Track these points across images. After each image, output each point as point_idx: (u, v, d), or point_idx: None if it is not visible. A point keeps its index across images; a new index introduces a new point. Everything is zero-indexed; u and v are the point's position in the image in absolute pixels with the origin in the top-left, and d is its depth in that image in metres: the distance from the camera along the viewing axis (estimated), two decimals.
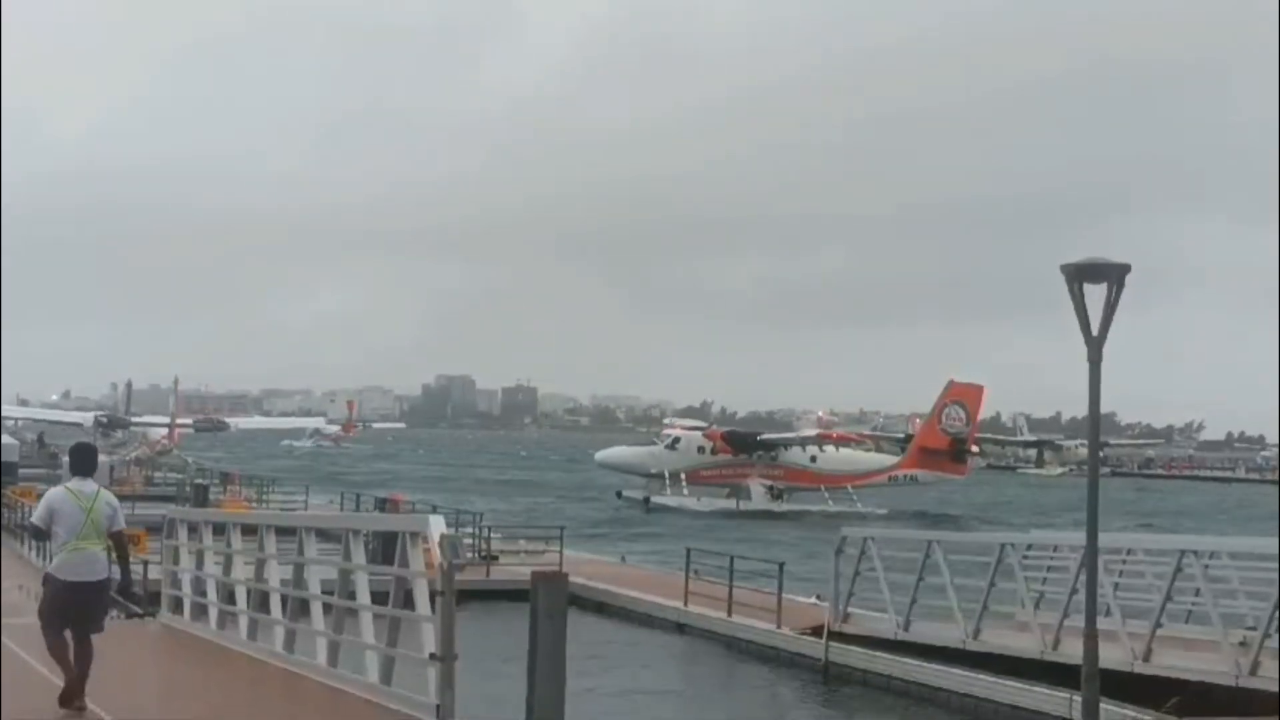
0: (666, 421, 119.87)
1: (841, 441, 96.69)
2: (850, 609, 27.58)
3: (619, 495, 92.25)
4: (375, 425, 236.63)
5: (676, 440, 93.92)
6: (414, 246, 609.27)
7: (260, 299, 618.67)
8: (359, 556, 16.40)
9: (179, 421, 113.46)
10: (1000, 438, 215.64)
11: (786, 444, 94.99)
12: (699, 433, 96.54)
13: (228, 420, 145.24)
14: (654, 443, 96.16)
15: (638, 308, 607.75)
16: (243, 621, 18.95)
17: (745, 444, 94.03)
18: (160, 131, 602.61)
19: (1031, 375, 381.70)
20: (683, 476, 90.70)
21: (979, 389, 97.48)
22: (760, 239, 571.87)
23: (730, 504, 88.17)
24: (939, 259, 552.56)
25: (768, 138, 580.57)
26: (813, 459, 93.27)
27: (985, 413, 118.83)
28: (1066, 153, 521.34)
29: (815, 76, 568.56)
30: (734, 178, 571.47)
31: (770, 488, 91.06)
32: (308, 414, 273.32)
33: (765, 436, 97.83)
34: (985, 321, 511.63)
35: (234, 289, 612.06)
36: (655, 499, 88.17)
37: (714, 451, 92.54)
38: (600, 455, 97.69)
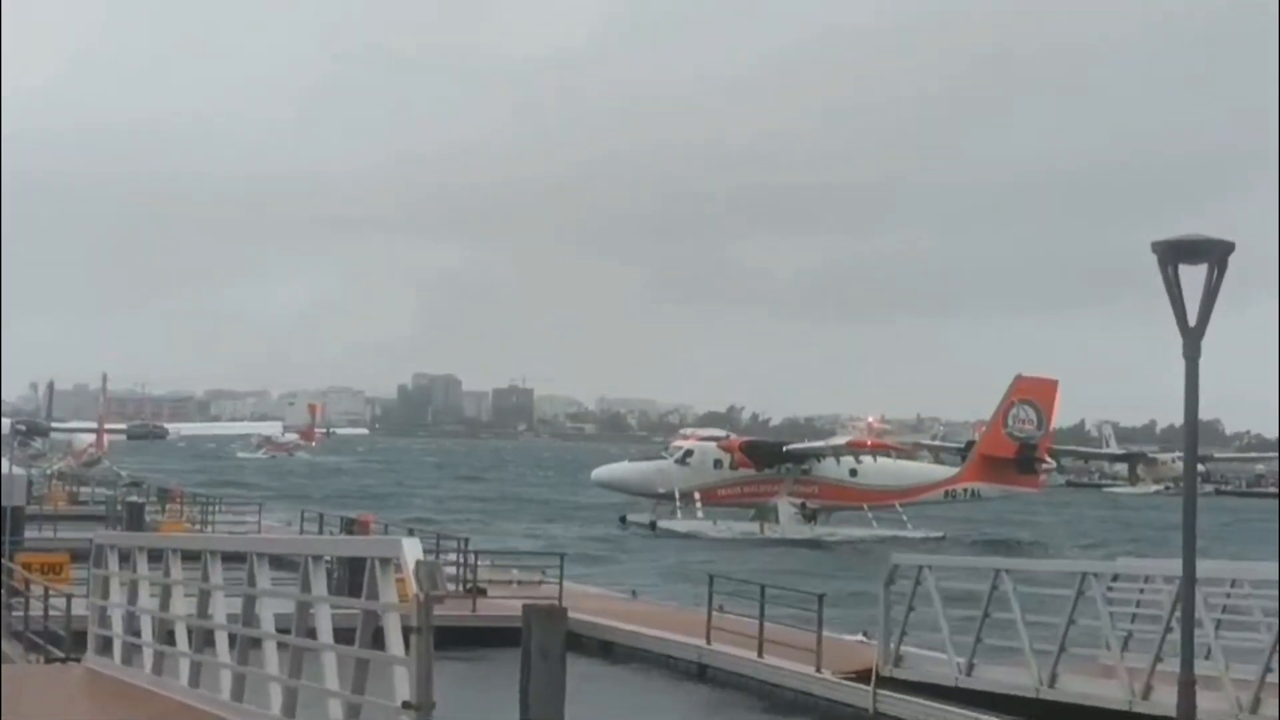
0: (684, 432, 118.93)
1: (877, 451, 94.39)
2: (903, 649, 27.55)
3: (623, 521, 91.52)
4: (340, 431, 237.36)
5: (688, 453, 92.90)
6: (399, 225, 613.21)
7: (212, 285, 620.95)
8: (320, 587, 16.43)
9: (109, 427, 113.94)
10: (1084, 450, 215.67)
11: (819, 455, 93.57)
12: (714, 444, 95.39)
13: (167, 426, 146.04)
14: (662, 456, 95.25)
15: (658, 296, 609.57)
16: (183, 665, 19.01)
17: (769, 456, 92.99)
18: (107, 88, 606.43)
19: (1122, 377, 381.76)
20: (696, 496, 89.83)
21: (1052, 384, 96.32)
22: (809, 218, 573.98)
23: (753, 528, 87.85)
24: (1016, 240, 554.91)
25: (824, 100, 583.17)
26: (852, 472, 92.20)
27: (1066, 419, 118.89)
28: (1171, 116, 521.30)
29: (882, 30, 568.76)
30: (782, 148, 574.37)
31: (803, 506, 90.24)
32: (263, 419, 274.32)
33: (792, 446, 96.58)
34: (1067, 313, 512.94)
35: (181, 273, 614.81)
36: (663, 523, 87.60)
37: (733, 466, 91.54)
38: (598, 473, 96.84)
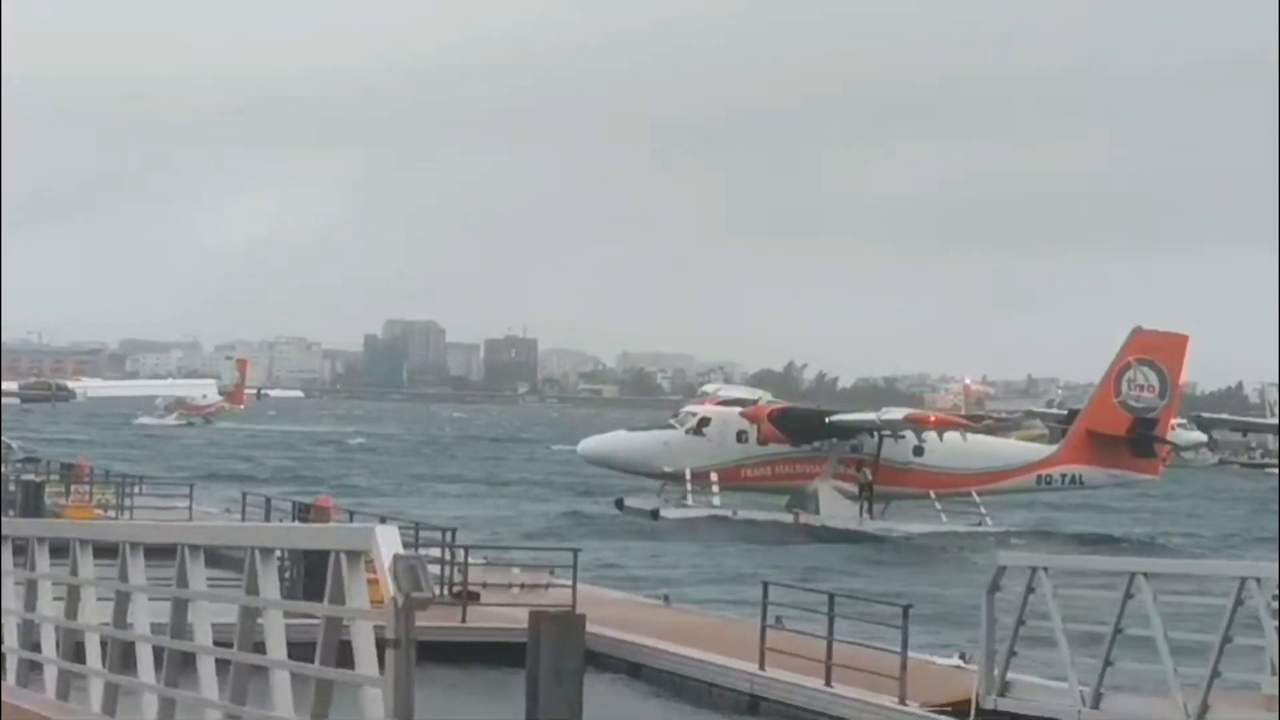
0: (706, 390, 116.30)
1: (943, 427, 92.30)
2: (1010, 674, 27.61)
3: (620, 506, 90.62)
4: (273, 394, 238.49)
5: (704, 422, 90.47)
6: (375, 139, 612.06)
7: (137, 210, 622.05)
8: (271, 588, 16.49)
9: None
10: (1245, 420, 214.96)
11: (871, 430, 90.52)
12: (738, 411, 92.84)
13: (71, 385, 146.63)
14: (670, 425, 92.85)
15: (703, 223, 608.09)
16: (96, 687, 19.11)
17: (807, 428, 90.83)
18: None
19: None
20: (714, 477, 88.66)
21: (1180, 340, 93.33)
22: (913, 120, 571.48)
23: (788, 518, 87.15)
24: (1171, 152, 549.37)
25: None
26: (917, 451, 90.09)
27: (1215, 380, 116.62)
28: None
29: None
30: (873, 45, 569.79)
31: (861, 491, 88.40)
32: (192, 375, 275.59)
33: (837, 417, 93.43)
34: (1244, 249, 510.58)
35: (94, 193, 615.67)
36: (667, 512, 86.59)
37: (761, 439, 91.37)
38: (587, 445, 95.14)
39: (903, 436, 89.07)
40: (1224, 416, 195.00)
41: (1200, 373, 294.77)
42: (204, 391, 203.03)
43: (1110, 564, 30.96)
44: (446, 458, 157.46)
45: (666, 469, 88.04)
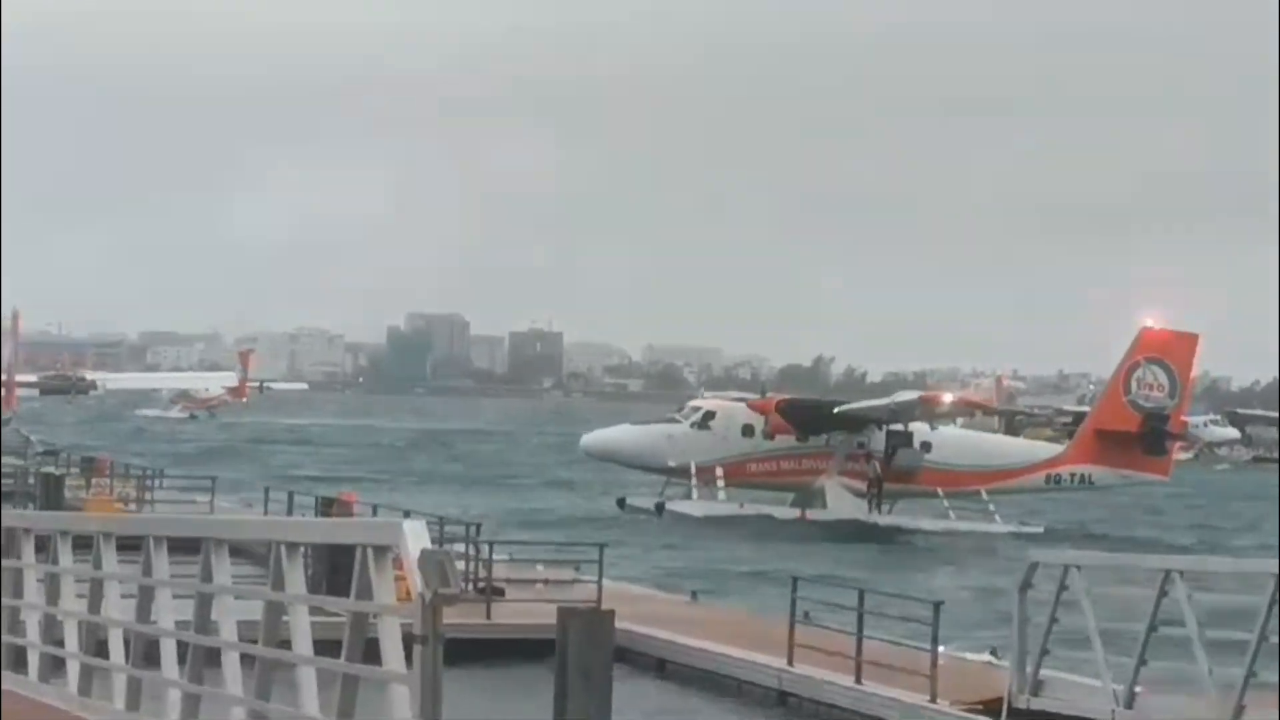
0: (705, 394, 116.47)
1: (962, 409, 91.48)
2: (1043, 672, 27.59)
3: (621, 505, 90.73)
4: (277, 386, 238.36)
5: (709, 415, 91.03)
6: (395, 125, 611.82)
7: (159, 202, 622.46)
8: (297, 583, 16.56)
9: (19, 380, 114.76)
10: (1257, 413, 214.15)
11: (880, 423, 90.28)
12: (744, 404, 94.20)
13: (92, 377, 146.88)
14: (673, 419, 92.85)
15: (739, 210, 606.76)
16: (119, 683, 19.14)
17: (815, 420, 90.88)
18: None
19: None
20: (719, 472, 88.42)
21: (1191, 339, 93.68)
22: (974, 102, 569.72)
23: (793, 514, 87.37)
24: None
25: None
26: (925, 446, 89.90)
27: (1250, 376, 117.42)
28: None
29: None
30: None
31: (871, 485, 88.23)
32: (214, 368, 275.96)
33: (846, 408, 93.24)
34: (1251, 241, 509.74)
35: (115, 186, 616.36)
36: (673, 506, 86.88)
37: (768, 433, 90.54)
38: (590, 439, 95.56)
39: (910, 434, 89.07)
40: (1258, 412, 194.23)
41: (1233, 368, 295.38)
42: (206, 384, 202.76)
43: (1144, 561, 30.88)
44: (458, 452, 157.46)
45: (671, 463, 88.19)
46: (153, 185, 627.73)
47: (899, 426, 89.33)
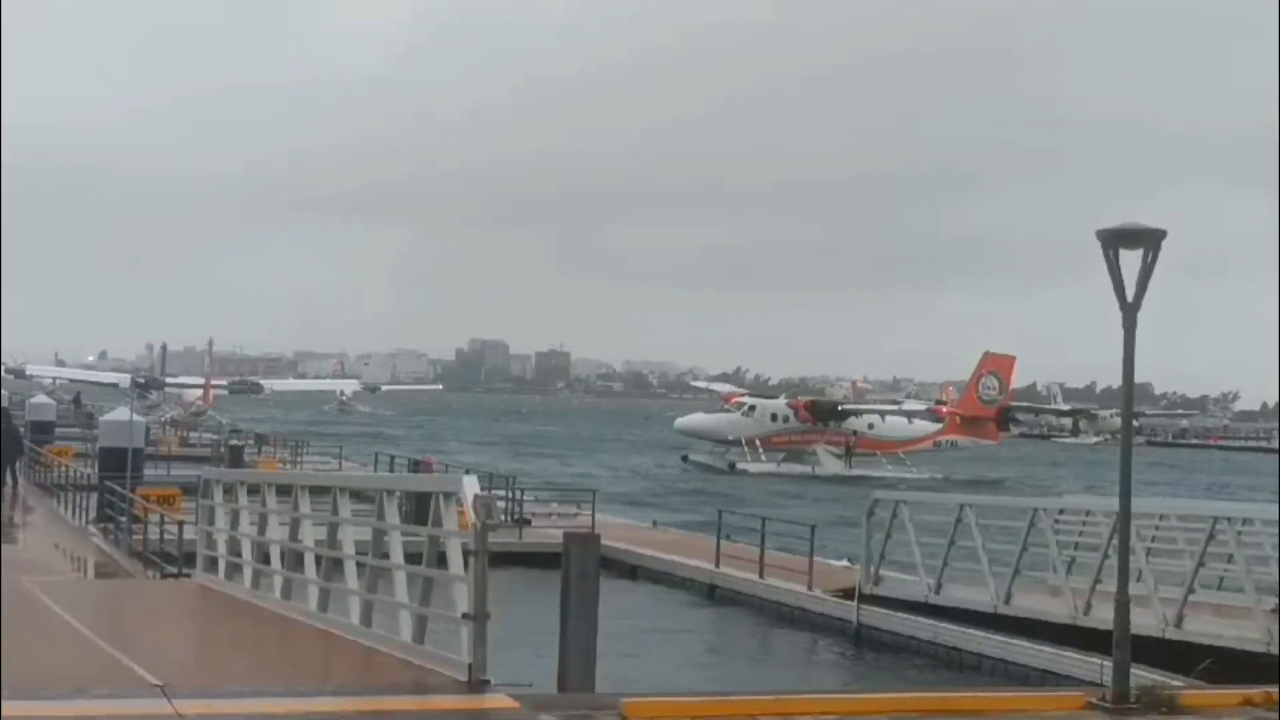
0: (699, 384, 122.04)
1: (944, 416, 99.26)
2: (882, 572, 27.59)
3: (685, 460, 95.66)
4: (397, 388, 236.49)
5: (752, 408, 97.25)
6: (453, 213, 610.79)
7: (291, 260, 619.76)
8: (393, 517, 16.52)
9: (214, 383, 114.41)
10: (1036, 406, 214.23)
11: (858, 414, 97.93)
12: (780, 400, 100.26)
13: (262, 382, 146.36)
14: (728, 410, 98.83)
15: (674, 275, 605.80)
16: (277, 581, 19.10)
17: (827, 412, 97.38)
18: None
19: (1065, 347, 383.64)
20: (758, 443, 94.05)
21: (1011, 360, 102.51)
22: (799, 204, 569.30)
23: (806, 469, 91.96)
24: (980, 219, 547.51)
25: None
26: (870, 426, 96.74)
27: (1021, 381, 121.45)
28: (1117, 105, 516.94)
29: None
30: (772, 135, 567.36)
31: (847, 451, 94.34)
32: (342, 376, 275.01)
33: (845, 406, 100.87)
34: (1019, 289, 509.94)
35: (273, 249, 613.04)
36: (740, 465, 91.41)
37: (790, 419, 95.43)
38: (682, 422, 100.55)
39: (867, 417, 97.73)
40: (1024, 404, 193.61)
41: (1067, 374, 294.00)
42: (348, 388, 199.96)
43: (946, 499, 30.87)
44: (510, 432, 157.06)
45: (729, 437, 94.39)
46: (296, 249, 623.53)
47: (873, 416, 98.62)
